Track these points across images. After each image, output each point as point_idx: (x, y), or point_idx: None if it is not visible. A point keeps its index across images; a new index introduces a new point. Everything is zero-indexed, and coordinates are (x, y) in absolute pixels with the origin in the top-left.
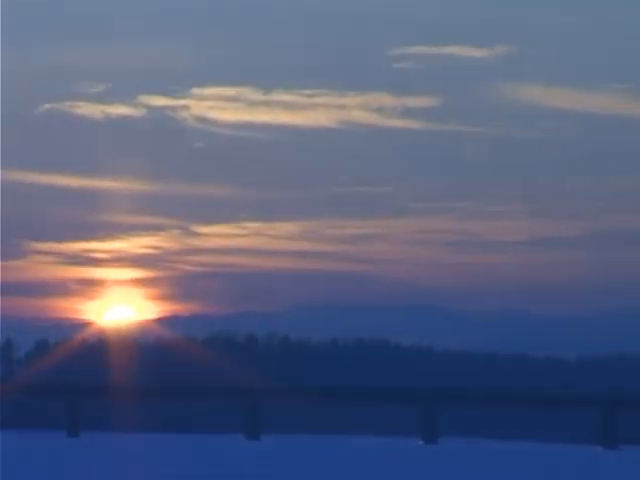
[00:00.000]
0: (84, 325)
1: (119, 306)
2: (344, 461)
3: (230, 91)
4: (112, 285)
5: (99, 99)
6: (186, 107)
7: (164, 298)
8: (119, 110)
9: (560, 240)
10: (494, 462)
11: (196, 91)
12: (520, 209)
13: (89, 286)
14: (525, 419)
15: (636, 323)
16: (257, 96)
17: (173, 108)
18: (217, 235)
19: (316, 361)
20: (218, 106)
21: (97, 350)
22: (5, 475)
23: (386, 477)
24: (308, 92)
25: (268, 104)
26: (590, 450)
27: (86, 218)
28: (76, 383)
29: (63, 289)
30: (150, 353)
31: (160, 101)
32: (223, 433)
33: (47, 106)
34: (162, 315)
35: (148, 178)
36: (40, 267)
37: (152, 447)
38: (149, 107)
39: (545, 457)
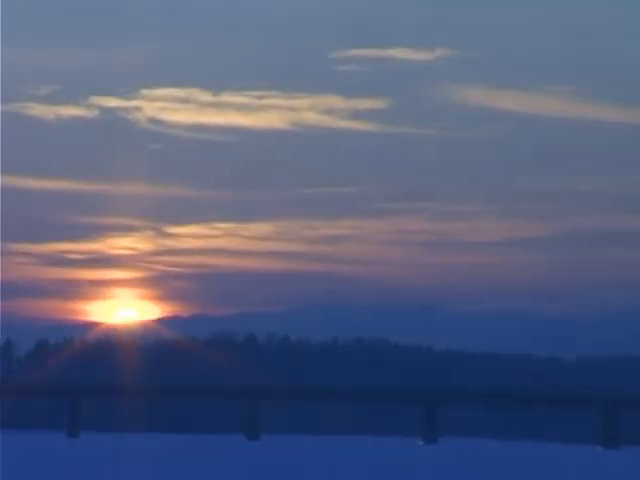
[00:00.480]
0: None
1: (114, 307)
2: (344, 461)
3: (179, 92)
4: (93, 286)
5: (50, 100)
6: (138, 108)
7: (145, 299)
8: (71, 111)
9: (534, 241)
10: (494, 462)
11: (146, 92)
12: (488, 209)
13: (90, 287)
14: (525, 419)
15: (636, 323)
16: (207, 97)
17: (125, 109)
18: (191, 236)
19: (316, 361)
20: (170, 107)
21: (97, 350)
22: (5, 475)
23: (386, 477)
24: (257, 94)
25: (218, 105)
26: (590, 450)
27: (52, 219)
28: (76, 383)
29: (39, 290)
30: (150, 353)
31: (111, 102)
32: (223, 433)
33: None
34: (162, 315)
35: (108, 179)
36: (14, 268)
37: (152, 447)
38: (101, 108)
39: (545, 457)
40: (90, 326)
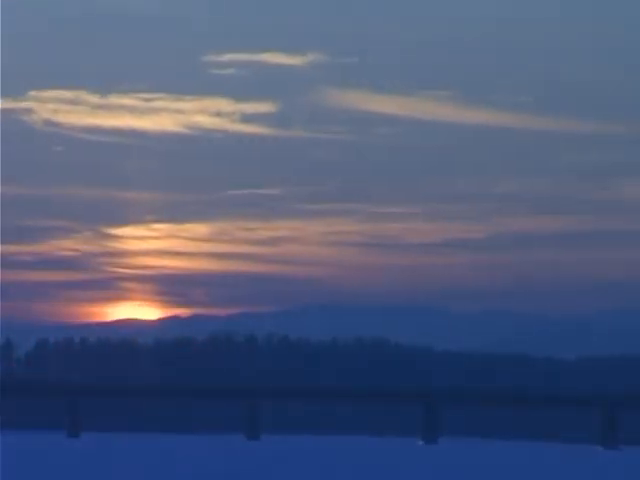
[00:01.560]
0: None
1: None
2: (344, 461)
3: (67, 94)
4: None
5: None
6: (29, 110)
7: (97, 300)
8: None
9: (470, 242)
10: (494, 462)
11: (34, 93)
12: (415, 211)
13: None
14: (525, 419)
15: (636, 323)
16: (95, 99)
17: (16, 111)
18: (131, 237)
19: (316, 361)
20: (62, 109)
21: (97, 350)
22: (5, 475)
23: (386, 477)
24: (145, 96)
25: (108, 107)
26: (590, 450)
27: None
28: (76, 383)
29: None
30: (150, 353)
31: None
32: (223, 433)
33: None
34: (162, 315)
35: (18, 181)
36: None
37: (152, 447)
38: None
39: (545, 457)
40: (90, 326)
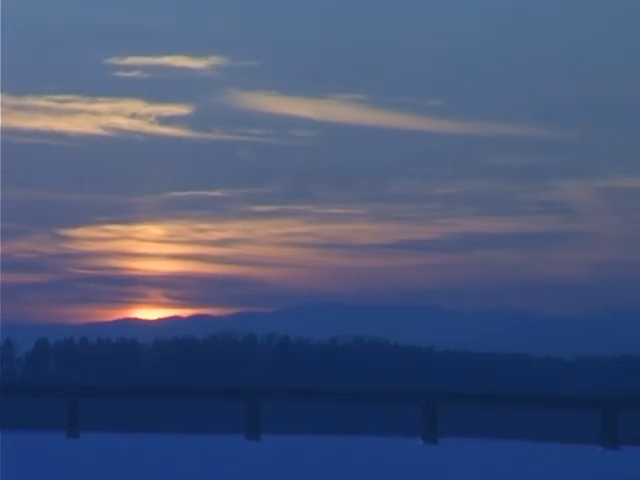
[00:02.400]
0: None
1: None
2: (344, 461)
3: None
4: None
5: None
6: None
7: (62, 302)
8: None
9: (423, 242)
10: (494, 462)
11: None
12: (364, 212)
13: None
14: (525, 419)
15: (637, 323)
16: (10, 101)
17: None
18: (85, 238)
19: (316, 361)
20: None
21: (97, 350)
22: (5, 475)
23: (386, 477)
24: (59, 97)
25: (25, 109)
26: (590, 450)
27: None
28: (76, 383)
29: None
30: (150, 353)
31: None
32: (223, 433)
33: None
34: (162, 315)
35: None
36: None
37: (152, 447)
38: None
39: (545, 457)
40: (90, 326)
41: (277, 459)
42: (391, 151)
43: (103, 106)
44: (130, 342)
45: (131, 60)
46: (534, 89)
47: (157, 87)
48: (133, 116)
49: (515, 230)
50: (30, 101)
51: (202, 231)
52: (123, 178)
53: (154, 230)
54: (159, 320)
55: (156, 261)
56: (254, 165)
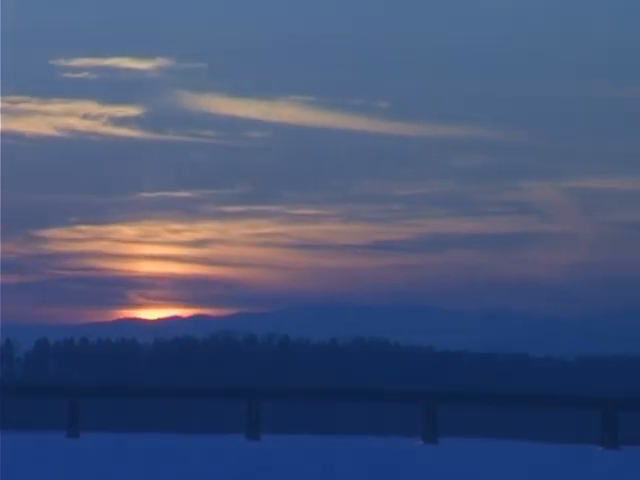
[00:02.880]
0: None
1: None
2: (344, 461)
3: None
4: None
5: None
6: None
7: (43, 302)
8: None
9: (400, 244)
10: (494, 462)
11: None
12: (333, 213)
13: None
14: (525, 419)
15: (636, 323)
16: None
17: None
18: (60, 239)
19: (316, 361)
20: None
21: (97, 350)
22: (5, 475)
23: (386, 477)
24: (12, 99)
25: None
26: (590, 450)
27: None
28: (76, 383)
29: None
30: (150, 353)
31: None
32: (223, 433)
33: None
34: (162, 315)
35: None
36: None
37: (152, 447)
38: None
39: (545, 457)
40: (90, 326)
41: (277, 459)
42: (348, 152)
43: (55, 107)
44: (130, 342)
45: (78, 62)
46: (486, 90)
47: (107, 88)
48: (85, 117)
49: (484, 230)
50: None
51: (176, 232)
52: (88, 179)
53: (128, 231)
54: (159, 320)
55: (138, 262)
56: (215, 166)
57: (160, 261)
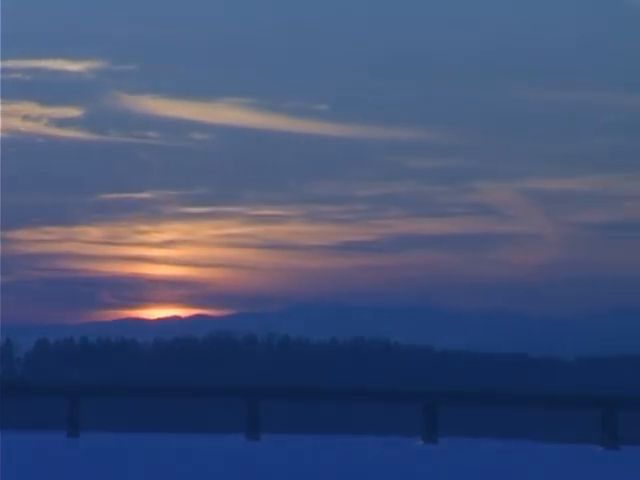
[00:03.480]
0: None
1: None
2: (344, 461)
3: None
4: None
5: None
6: None
7: (15, 304)
8: None
9: (366, 244)
10: (494, 462)
11: None
12: (295, 213)
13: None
14: (525, 419)
15: (636, 323)
16: None
17: None
18: (29, 240)
19: (316, 361)
20: None
21: (97, 350)
22: (5, 475)
23: (386, 477)
24: None
25: None
26: (590, 450)
27: None
28: (76, 383)
29: None
30: (150, 353)
31: None
32: (223, 433)
33: None
34: (162, 315)
35: None
36: None
37: (152, 447)
38: None
39: (545, 457)
40: (90, 326)
41: (277, 459)
42: (297, 154)
43: None
44: (130, 342)
45: (11, 63)
46: (424, 91)
47: (44, 89)
48: (26, 118)
49: (449, 231)
50: None
51: (143, 232)
52: (43, 180)
53: (94, 232)
54: (159, 320)
55: (98, 262)
56: (167, 168)
57: (132, 262)
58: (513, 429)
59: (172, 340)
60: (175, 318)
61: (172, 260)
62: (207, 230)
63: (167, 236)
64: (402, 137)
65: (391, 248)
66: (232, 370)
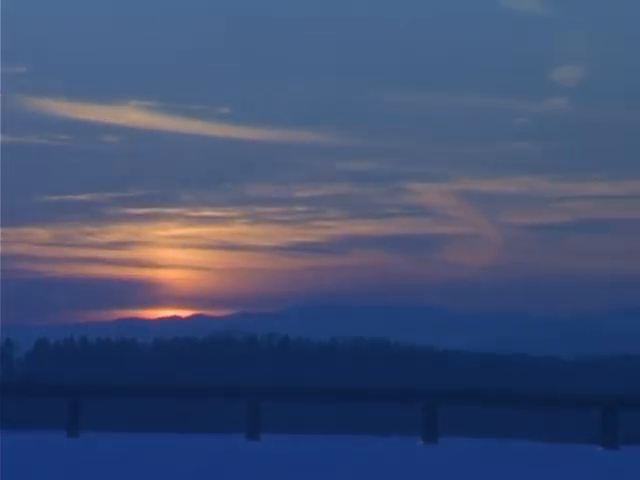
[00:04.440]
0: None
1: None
2: (344, 461)
3: None
4: None
5: None
6: None
7: None
8: None
9: (314, 245)
10: (494, 462)
11: None
12: (237, 214)
13: None
14: (525, 419)
15: (636, 323)
16: None
17: None
18: None
19: (316, 361)
20: None
21: (97, 350)
22: (5, 475)
23: (386, 477)
24: None
25: None
26: (590, 450)
27: None
28: (76, 383)
29: None
30: (150, 353)
31: None
32: (223, 433)
33: None
34: (162, 315)
35: None
36: None
37: (152, 447)
38: None
39: (545, 457)
40: (90, 326)
41: (277, 459)
42: (213, 157)
43: None
44: (130, 342)
45: None
46: (336, 94)
47: None
48: None
49: (391, 232)
50: None
51: (90, 234)
52: None
53: (42, 233)
54: (159, 320)
55: (48, 264)
56: (90, 170)
57: (83, 263)
58: (513, 429)
59: (172, 340)
60: (175, 318)
61: (123, 261)
62: (153, 231)
63: (114, 237)
64: (320, 140)
65: (337, 249)
66: (232, 370)
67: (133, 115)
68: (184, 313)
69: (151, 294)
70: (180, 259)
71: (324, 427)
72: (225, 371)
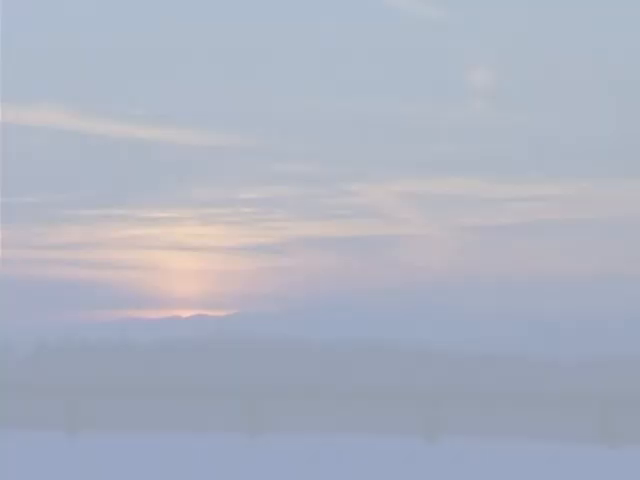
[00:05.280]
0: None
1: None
2: (344, 461)
3: None
4: None
5: None
6: None
7: None
8: None
9: (269, 247)
10: (494, 462)
11: None
12: (186, 215)
13: None
14: (525, 419)
15: (636, 324)
16: None
17: None
18: None
19: (316, 361)
20: None
21: (97, 350)
22: (4, 475)
23: (386, 477)
24: None
25: None
26: (590, 450)
27: None
28: (76, 383)
29: None
30: (150, 353)
31: None
32: (223, 433)
33: None
34: (162, 315)
35: None
36: None
37: (152, 447)
38: None
39: (545, 457)
40: (90, 326)
41: (277, 459)
42: (142, 159)
43: None
44: (130, 342)
45: None
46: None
47: None
48: None
49: (339, 234)
50: None
51: (39, 235)
52: None
53: None
54: (159, 320)
55: (16, 265)
56: (25, 171)
57: (41, 264)
58: (513, 429)
59: (172, 340)
60: (175, 318)
61: (83, 263)
62: (106, 232)
63: (68, 239)
64: (252, 143)
65: (289, 250)
66: (232, 370)
67: (48, 116)
68: (184, 313)
69: (111, 295)
70: (139, 260)
71: (324, 427)
72: (225, 371)
